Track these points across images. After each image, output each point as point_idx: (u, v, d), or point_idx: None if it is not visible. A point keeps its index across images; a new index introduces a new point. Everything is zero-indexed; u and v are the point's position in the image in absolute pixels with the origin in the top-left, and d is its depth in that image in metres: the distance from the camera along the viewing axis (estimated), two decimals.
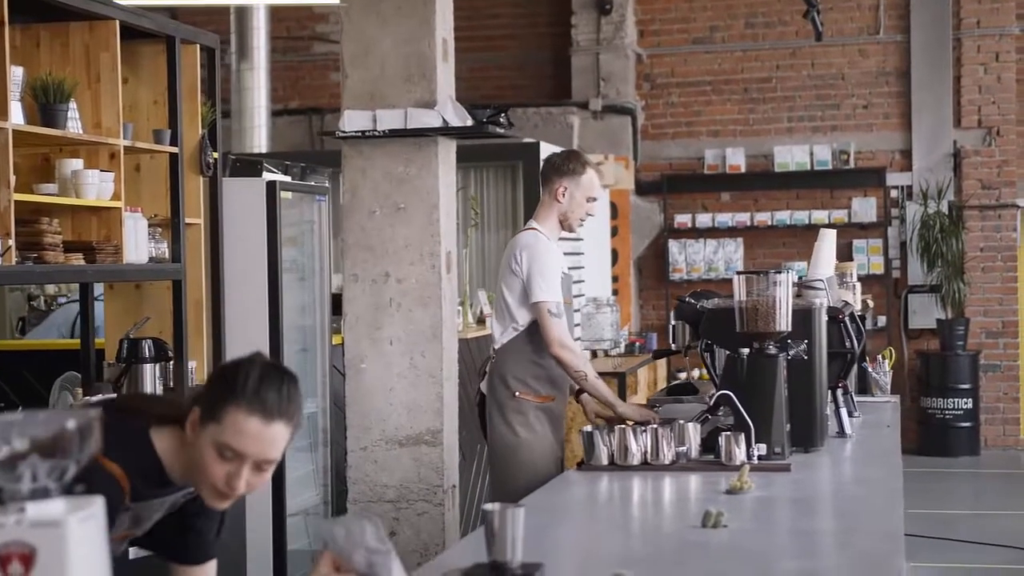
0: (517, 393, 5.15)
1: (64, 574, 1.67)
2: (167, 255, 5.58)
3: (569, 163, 5.28)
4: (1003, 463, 11.94)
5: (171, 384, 5.61)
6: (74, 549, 1.68)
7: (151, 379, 5.41)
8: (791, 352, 4.36)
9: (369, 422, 5.58)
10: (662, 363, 10.53)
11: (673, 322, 5.01)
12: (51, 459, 1.73)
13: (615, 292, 11.97)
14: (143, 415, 2.71)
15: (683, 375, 10.54)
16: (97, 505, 1.74)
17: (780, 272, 4.33)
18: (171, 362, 5.58)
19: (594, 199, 5.29)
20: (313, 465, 6.81)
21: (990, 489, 11.12)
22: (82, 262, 4.96)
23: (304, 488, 6.71)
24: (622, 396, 8.96)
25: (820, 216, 12.43)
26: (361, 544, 2.38)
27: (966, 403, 12.09)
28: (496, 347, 5.28)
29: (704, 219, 12.75)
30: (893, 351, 6.74)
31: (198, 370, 5.87)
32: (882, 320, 12.41)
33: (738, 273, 4.36)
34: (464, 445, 6.50)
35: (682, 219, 12.81)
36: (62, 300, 7.91)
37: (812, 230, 10.41)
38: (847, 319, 4.95)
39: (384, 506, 5.60)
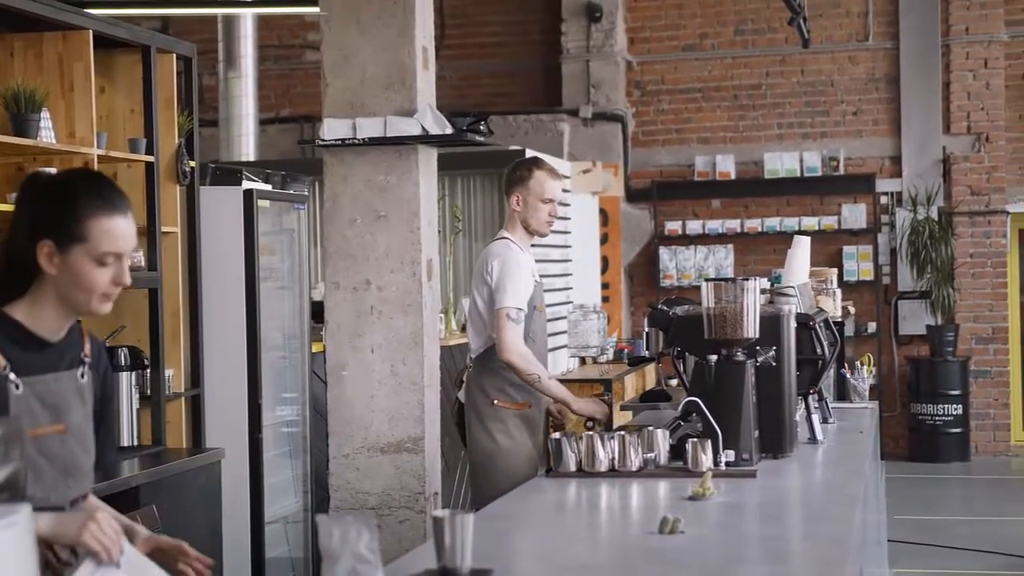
0: (496, 401, 5.23)
1: None
2: (143, 263, 5.59)
3: (516, 171, 5.40)
4: (993, 469, 11.93)
5: (147, 392, 5.62)
6: None
7: (127, 387, 5.42)
8: (759, 359, 4.38)
9: (351, 429, 5.58)
10: (651, 370, 10.53)
11: (647, 329, 5.02)
12: None
13: (606, 299, 11.98)
14: None
15: (674, 382, 10.53)
16: (22, 514, 1.76)
17: (748, 279, 4.34)
18: (147, 370, 5.59)
19: (550, 200, 5.35)
20: (293, 472, 6.82)
21: (980, 495, 11.12)
22: None
23: (283, 495, 6.72)
24: (608, 404, 8.97)
25: (810, 223, 12.44)
26: (351, 549, 2.40)
27: (956, 409, 12.10)
28: (473, 356, 5.36)
29: (694, 226, 12.76)
30: (872, 357, 6.74)
31: (175, 378, 5.88)
32: (872, 326, 12.42)
33: (707, 280, 4.37)
34: (446, 452, 6.51)
35: (672, 226, 12.82)
36: None
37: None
38: (819, 325, 4.96)
39: (366, 514, 5.60)
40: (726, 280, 4.35)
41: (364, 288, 5.56)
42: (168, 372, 5.78)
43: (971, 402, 12.27)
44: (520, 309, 5.18)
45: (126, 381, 5.42)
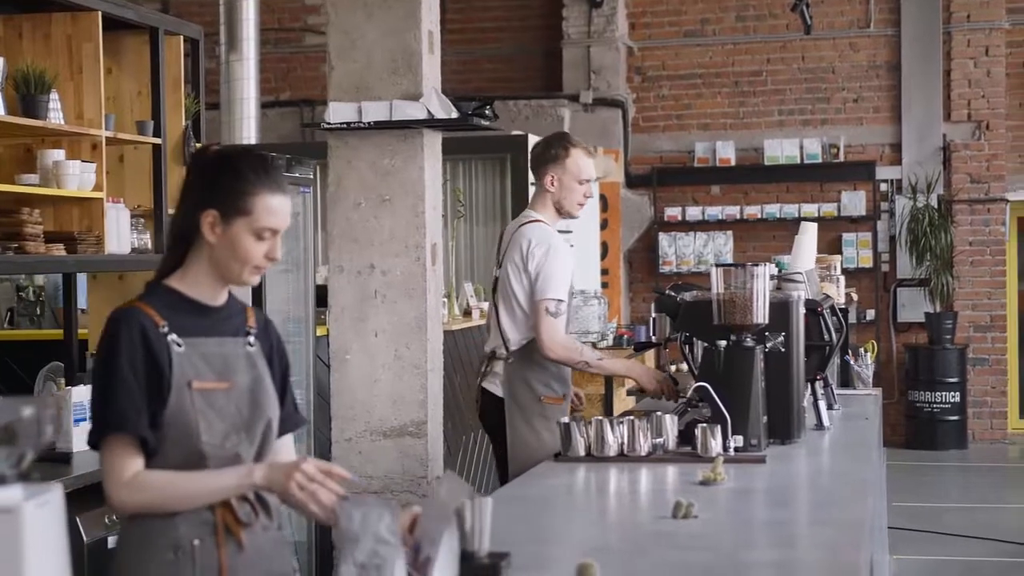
0: (542, 398, 5.09)
1: (19, 560, 1.69)
2: (150, 246, 5.59)
3: (550, 149, 5.19)
4: (990, 456, 11.97)
5: None
6: (29, 535, 1.70)
7: None
8: (768, 344, 4.38)
9: (354, 413, 5.58)
10: (651, 356, 10.54)
11: (654, 315, 5.02)
12: (8, 446, 1.75)
13: (605, 285, 11.99)
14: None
15: (673, 368, 10.54)
16: (54, 493, 1.76)
17: (758, 265, 4.35)
18: None
19: (586, 180, 5.21)
20: (297, 455, 6.81)
21: (977, 482, 11.15)
22: (63, 253, 4.97)
23: None
24: (609, 390, 8.96)
25: (810, 209, 12.45)
26: (372, 531, 2.40)
27: (954, 397, 12.13)
28: (512, 348, 5.14)
29: (694, 212, 12.77)
30: (875, 344, 6.76)
31: None
32: (871, 313, 12.44)
33: (716, 266, 4.37)
34: (449, 437, 6.50)
35: (672, 212, 12.83)
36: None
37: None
38: (826, 312, 4.97)
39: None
40: (736, 266, 4.35)
41: (368, 272, 5.56)
42: None
43: (969, 390, 12.30)
44: (560, 300, 5.00)
45: None
